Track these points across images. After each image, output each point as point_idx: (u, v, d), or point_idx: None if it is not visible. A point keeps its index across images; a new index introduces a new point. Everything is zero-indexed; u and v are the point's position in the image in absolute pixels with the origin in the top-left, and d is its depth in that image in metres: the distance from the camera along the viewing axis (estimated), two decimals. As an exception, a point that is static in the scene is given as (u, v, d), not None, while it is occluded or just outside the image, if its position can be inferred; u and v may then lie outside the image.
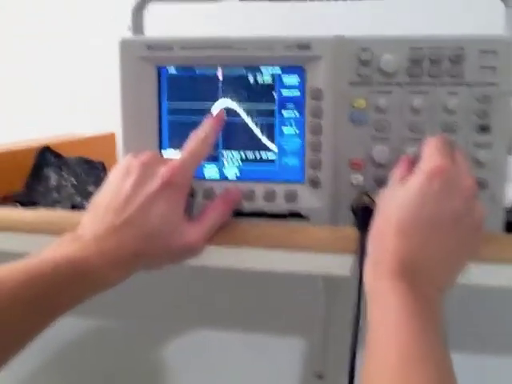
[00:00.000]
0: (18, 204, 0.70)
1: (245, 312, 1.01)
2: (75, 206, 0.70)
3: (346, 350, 0.53)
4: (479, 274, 0.56)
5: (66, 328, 0.98)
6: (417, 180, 0.52)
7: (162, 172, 0.56)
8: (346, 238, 0.58)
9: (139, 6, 0.67)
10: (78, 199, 0.74)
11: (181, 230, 0.56)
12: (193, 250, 0.58)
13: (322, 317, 0.93)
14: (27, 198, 0.73)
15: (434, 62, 0.59)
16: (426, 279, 0.50)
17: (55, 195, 0.74)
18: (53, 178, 0.77)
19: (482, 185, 0.60)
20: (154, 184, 0.56)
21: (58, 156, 0.79)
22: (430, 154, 0.54)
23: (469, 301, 0.85)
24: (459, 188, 0.52)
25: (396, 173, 0.57)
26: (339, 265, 0.58)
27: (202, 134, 0.59)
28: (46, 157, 0.78)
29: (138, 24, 0.68)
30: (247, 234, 0.60)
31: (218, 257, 0.60)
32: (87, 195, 0.75)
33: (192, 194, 0.62)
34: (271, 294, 0.97)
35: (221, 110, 0.63)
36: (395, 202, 0.53)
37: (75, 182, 0.77)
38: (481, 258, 0.56)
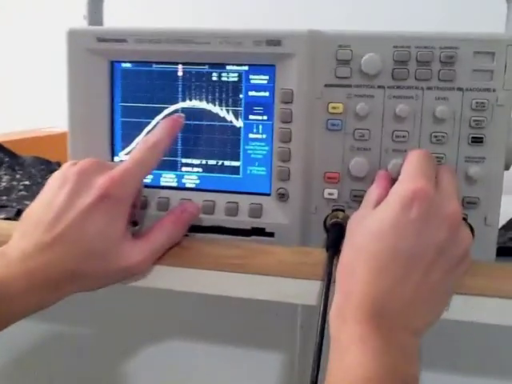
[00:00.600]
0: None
1: (224, 325, 0.94)
2: (21, 212, 0.63)
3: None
4: (464, 308, 0.49)
5: (25, 333, 0.91)
6: (392, 205, 0.45)
7: (100, 183, 0.49)
8: (314, 263, 0.51)
9: (96, -8, 0.60)
10: (28, 203, 0.66)
11: (121, 249, 0.49)
12: (134, 272, 0.51)
13: (302, 331, 0.87)
14: (-29, 202, 0.66)
15: (421, 63, 0.52)
16: (402, 322, 0.42)
17: (3, 198, 0.67)
18: (4, 178, 0.70)
19: (473, 204, 0.53)
20: (89, 196, 0.48)
21: (11, 155, 0.73)
22: (409, 172, 0.47)
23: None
24: (442, 214, 0.44)
25: (370, 193, 0.50)
26: (305, 293, 0.51)
27: (151, 140, 0.52)
28: (-2, 155, 0.72)
29: (95, 13, 0.61)
30: (203, 254, 0.53)
31: (169, 279, 0.53)
32: (40, 199, 0.68)
33: (143, 206, 0.56)
34: (251, 306, 0.90)
35: (178, 114, 0.55)
36: (366, 231, 0.45)
37: (28, 184, 0.70)
38: (467, 290, 0.48)
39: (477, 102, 0.51)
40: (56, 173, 0.52)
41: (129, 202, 0.50)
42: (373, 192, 0.50)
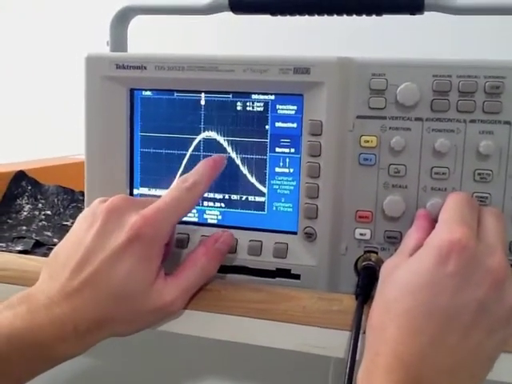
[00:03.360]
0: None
1: (249, 372, 0.88)
2: (39, 244, 0.61)
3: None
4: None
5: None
6: (426, 258, 0.40)
7: (131, 222, 0.45)
8: (342, 311, 0.46)
9: (120, 19, 0.58)
10: (48, 234, 0.64)
11: (153, 289, 0.46)
12: (169, 312, 0.48)
13: None
14: (-10, 232, 0.64)
15: (464, 94, 0.47)
16: None
17: (23, 229, 0.65)
18: (26, 208, 0.68)
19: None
20: (119, 237, 0.45)
21: (34, 183, 0.71)
22: (447, 219, 0.43)
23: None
24: (483, 268, 0.39)
25: (408, 236, 0.45)
26: (332, 343, 0.46)
27: (190, 179, 0.48)
28: (21, 184, 0.70)
29: (118, 39, 0.58)
30: (222, 297, 0.49)
31: (184, 322, 0.49)
32: (60, 230, 0.66)
33: (181, 245, 0.52)
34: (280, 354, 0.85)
35: (220, 155, 0.52)
36: (398, 283, 0.41)
37: (50, 214, 0.68)
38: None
39: (526, 137, 0.46)
40: (85, 210, 0.49)
41: (162, 243, 0.47)
42: (411, 236, 0.45)
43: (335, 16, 0.54)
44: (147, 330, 0.50)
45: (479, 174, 0.47)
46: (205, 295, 0.49)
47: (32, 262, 0.54)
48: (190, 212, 0.50)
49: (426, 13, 0.52)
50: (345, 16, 0.54)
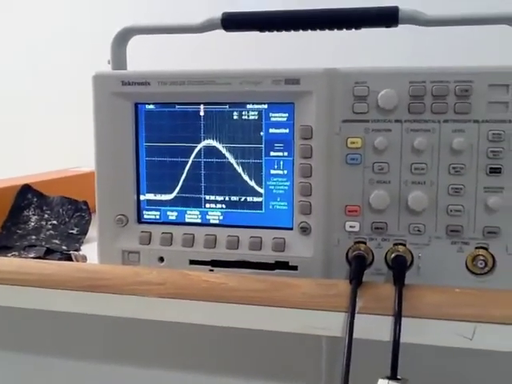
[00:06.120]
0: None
1: (245, 359, 0.93)
2: (50, 251, 0.65)
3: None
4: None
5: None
6: None
7: None
8: (338, 295, 0.51)
9: (120, 39, 0.63)
10: (57, 242, 0.69)
11: None
12: None
13: (325, 369, 0.86)
14: (1, 242, 0.68)
15: (437, 97, 0.53)
16: None
17: (32, 238, 0.69)
18: (33, 219, 0.72)
19: (494, 234, 0.53)
20: None
21: (39, 195, 0.75)
22: None
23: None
24: None
25: None
26: (330, 324, 0.51)
27: None
28: (27, 196, 0.74)
29: (119, 57, 0.63)
30: (228, 288, 0.54)
31: (195, 312, 0.54)
32: (67, 238, 0.70)
33: (169, 243, 0.57)
34: (273, 342, 0.90)
35: None
36: None
37: (56, 223, 0.72)
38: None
39: (493, 134, 0.52)
40: None
41: None
42: None
43: (318, 31, 0.60)
44: (149, 320, 0.54)
45: (454, 167, 0.53)
46: (211, 287, 0.54)
47: (51, 265, 0.58)
48: None
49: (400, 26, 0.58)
50: (327, 30, 0.60)
